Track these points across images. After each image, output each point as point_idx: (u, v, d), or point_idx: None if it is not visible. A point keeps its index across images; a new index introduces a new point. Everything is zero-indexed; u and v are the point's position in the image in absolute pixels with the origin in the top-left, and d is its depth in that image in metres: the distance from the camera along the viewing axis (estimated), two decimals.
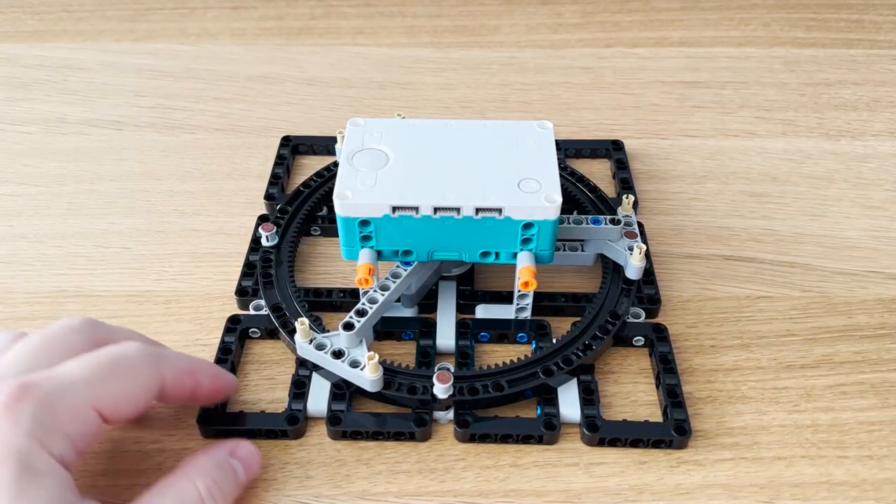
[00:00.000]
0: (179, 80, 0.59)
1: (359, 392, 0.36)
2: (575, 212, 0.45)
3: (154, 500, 0.29)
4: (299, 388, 0.36)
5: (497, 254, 0.36)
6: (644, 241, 0.43)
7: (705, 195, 0.49)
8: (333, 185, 0.36)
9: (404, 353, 0.39)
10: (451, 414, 0.35)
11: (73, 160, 0.51)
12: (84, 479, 0.33)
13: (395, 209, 0.34)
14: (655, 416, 0.36)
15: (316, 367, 0.37)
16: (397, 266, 0.38)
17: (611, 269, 0.41)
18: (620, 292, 0.40)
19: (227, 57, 0.61)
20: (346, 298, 0.41)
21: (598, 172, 0.50)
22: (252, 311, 0.40)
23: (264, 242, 0.42)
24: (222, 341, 0.38)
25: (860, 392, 0.37)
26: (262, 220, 0.45)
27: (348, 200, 0.34)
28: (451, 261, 0.38)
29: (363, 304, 0.36)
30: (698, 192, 0.49)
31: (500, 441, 0.35)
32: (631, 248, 0.39)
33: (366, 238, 0.36)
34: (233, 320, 0.39)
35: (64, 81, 0.59)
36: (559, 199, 0.34)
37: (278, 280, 0.40)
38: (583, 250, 0.41)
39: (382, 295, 0.37)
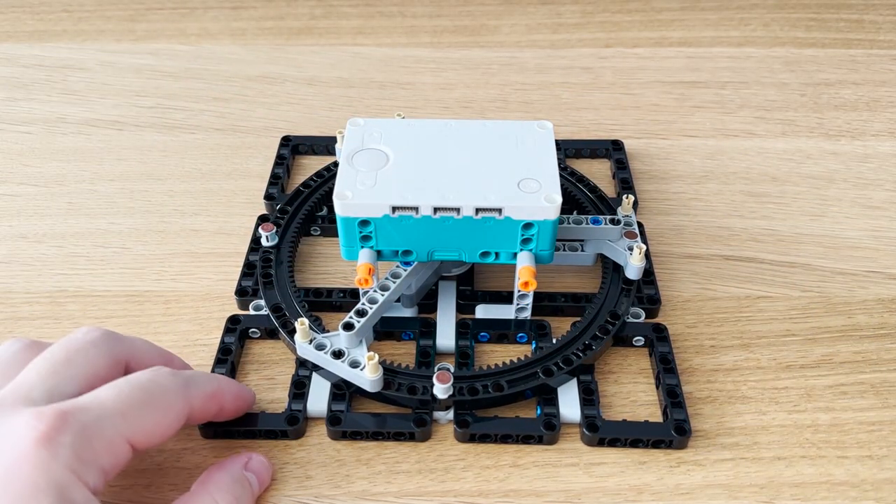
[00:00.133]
0: (179, 80, 0.59)
1: (359, 392, 0.36)
2: (575, 212, 0.45)
3: None
4: (299, 389, 0.36)
5: (497, 254, 0.36)
6: (644, 241, 0.43)
7: (705, 195, 0.48)
8: (333, 185, 0.36)
9: (404, 353, 0.39)
10: (450, 414, 0.35)
11: (73, 160, 0.51)
12: None
13: (394, 209, 0.34)
14: (655, 416, 0.36)
15: (316, 368, 0.37)
16: (397, 266, 0.38)
17: (611, 269, 0.41)
18: (620, 292, 0.40)
19: (227, 57, 0.61)
20: (346, 298, 0.41)
21: (598, 172, 0.50)
22: (252, 312, 0.40)
23: (264, 242, 0.42)
24: (222, 341, 0.38)
25: (860, 392, 0.37)
26: (262, 220, 0.45)
27: (348, 200, 0.34)
28: (450, 261, 0.38)
29: (363, 304, 0.36)
30: (698, 192, 0.49)
31: (500, 441, 0.35)
32: (631, 248, 0.39)
33: (366, 238, 0.36)
34: (233, 320, 0.39)
35: (64, 81, 0.59)
36: (559, 199, 0.34)
37: (278, 280, 0.40)
38: (583, 250, 0.41)
39: (382, 295, 0.37)
